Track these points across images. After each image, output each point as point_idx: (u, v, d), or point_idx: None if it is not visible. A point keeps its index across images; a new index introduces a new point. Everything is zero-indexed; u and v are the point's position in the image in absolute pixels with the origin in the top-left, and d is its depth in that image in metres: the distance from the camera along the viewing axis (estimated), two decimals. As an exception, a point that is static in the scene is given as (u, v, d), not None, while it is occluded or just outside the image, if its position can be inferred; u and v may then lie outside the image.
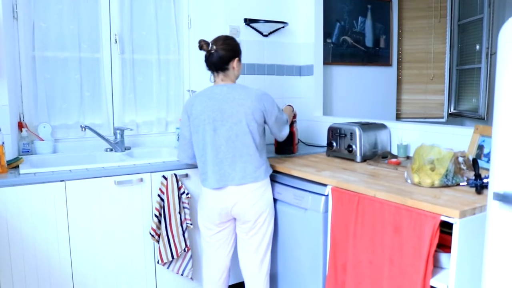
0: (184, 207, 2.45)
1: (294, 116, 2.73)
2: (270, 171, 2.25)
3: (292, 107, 2.70)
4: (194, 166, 2.52)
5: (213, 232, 2.27)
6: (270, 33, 3.09)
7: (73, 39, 2.77)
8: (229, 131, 2.09)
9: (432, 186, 1.83)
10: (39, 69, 2.69)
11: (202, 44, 2.14)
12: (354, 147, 2.49)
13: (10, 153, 2.36)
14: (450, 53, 4.38)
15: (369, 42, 3.94)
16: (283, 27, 3.14)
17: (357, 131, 2.49)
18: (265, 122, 2.19)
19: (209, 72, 3.01)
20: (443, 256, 1.69)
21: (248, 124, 2.08)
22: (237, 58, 2.19)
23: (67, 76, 2.79)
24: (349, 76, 3.83)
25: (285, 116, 2.31)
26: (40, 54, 2.69)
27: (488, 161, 2.05)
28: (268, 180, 2.21)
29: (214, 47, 2.13)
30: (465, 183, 1.84)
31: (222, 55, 2.13)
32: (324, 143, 2.79)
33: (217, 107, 2.11)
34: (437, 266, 1.68)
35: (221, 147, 2.11)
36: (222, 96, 2.12)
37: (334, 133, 2.62)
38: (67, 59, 2.77)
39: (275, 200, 2.36)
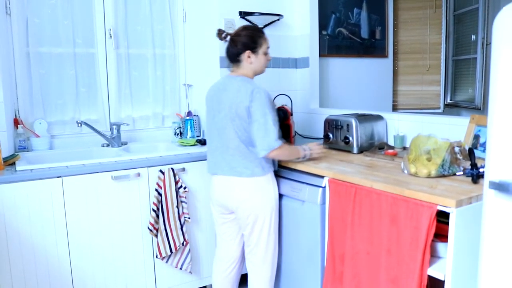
0: (181, 201, 2.45)
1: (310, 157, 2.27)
2: (265, 172, 2.10)
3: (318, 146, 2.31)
4: (192, 160, 2.52)
5: (220, 222, 2.29)
6: (265, 25, 3.07)
7: (67, 34, 2.75)
8: (220, 122, 2.10)
9: (429, 176, 1.83)
10: (33, 65, 2.67)
11: (218, 33, 2.16)
12: (350, 138, 2.49)
13: (6, 150, 2.35)
14: (446, 44, 4.38)
15: (364, 33, 3.94)
16: (278, 19, 3.13)
17: (354, 122, 2.49)
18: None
19: (206, 66, 3.02)
20: (440, 246, 1.69)
21: (231, 118, 2.05)
22: (249, 51, 2.11)
23: (62, 72, 2.77)
24: (345, 68, 3.82)
25: (272, 132, 2.00)
26: (34, 50, 2.67)
27: (484, 151, 2.05)
28: (265, 180, 2.12)
29: (228, 37, 2.12)
30: (462, 173, 1.85)
31: (231, 48, 2.13)
32: (321, 135, 2.79)
33: (217, 97, 2.12)
34: (434, 255, 1.69)
35: (215, 137, 2.14)
36: (223, 87, 2.12)
37: (331, 125, 2.62)
38: (62, 55, 2.76)
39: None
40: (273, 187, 2.16)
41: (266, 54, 2.18)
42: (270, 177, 2.16)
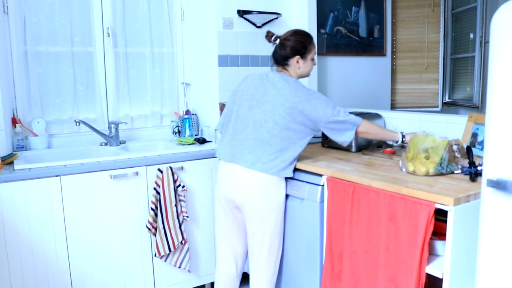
0: (180, 200, 2.45)
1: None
2: (287, 173, 2.11)
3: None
4: (191, 159, 2.52)
5: (223, 218, 2.26)
6: (264, 24, 3.07)
7: (65, 33, 2.75)
8: (260, 114, 2.07)
9: (427, 175, 1.84)
10: (31, 64, 2.67)
11: (267, 35, 2.17)
12: (349, 137, 2.49)
13: (4, 149, 2.35)
14: (444, 42, 4.38)
15: (363, 32, 3.93)
16: (276, 18, 3.12)
17: (352, 121, 2.49)
18: (314, 124, 2.09)
19: (204, 65, 3.00)
20: (438, 244, 1.70)
21: (281, 115, 2.03)
22: (298, 57, 2.13)
23: (60, 71, 2.77)
24: (344, 66, 3.82)
25: (345, 118, 2.08)
26: (32, 49, 2.66)
27: (482, 149, 2.06)
28: (280, 181, 2.13)
29: (277, 40, 2.13)
30: (460, 171, 1.85)
31: (278, 51, 2.14)
32: (319, 133, 2.79)
33: (262, 88, 2.11)
34: (432, 253, 1.69)
35: (248, 127, 2.10)
36: (273, 81, 2.11)
37: (329, 123, 2.62)
38: (60, 54, 2.75)
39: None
40: (283, 190, 2.17)
41: (312, 59, 2.21)
42: (284, 180, 2.16)
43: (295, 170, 2.22)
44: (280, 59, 2.16)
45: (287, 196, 2.26)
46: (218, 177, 2.26)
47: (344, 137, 2.12)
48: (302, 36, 2.17)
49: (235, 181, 2.13)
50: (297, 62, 2.14)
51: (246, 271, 2.43)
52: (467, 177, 1.78)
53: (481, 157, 1.94)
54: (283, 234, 2.30)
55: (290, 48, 2.12)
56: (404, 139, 2.21)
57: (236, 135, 2.15)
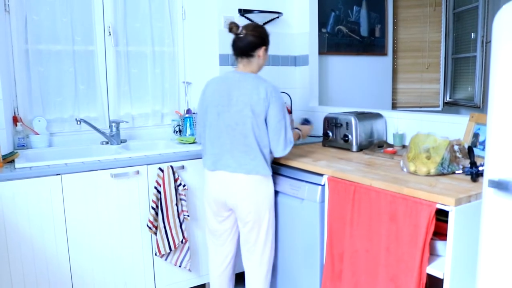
0: (181, 199, 2.45)
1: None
2: (269, 171, 2.14)
3: (310, 125, 2.60)
4: (191, 158, 2.52)
5: (215, 221, 2.27)
6: (265, 23, 3.07)
7: (66, 32, 2.75)
8: (230, 118, 2.08)
9: (428, 175, 1.83)
10: (32, 63, 2.67)
11: (232, 27, 2.12)
12: (350, 136, 2.49)
13: (5, 148, 2.35)
14: (445, 42, 4.37)
15: (364, 31, 3.93)
16: (277, 17, 3.12)
17: (353, 120, 2.49)
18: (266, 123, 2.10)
19: (205, 64, 2.99)
20: (439, 244, 1.70)
21: (248, 116, 2.05)
22: (264, 47, 2.16)
23: (61, 69, 2.77)
24: (345, 65, 3.82)
25: (288, 133, 2.12)
26: (33, 48, 2.66)
27: (483, 149, 2.05)
28: (266, 178, 2.15)
29: (244, 31, 2.11)
30: (461, 171, 1.85)
31: (250, 40, 2.11)
32: (320, 133, 2.79)
33: (225, 92, 2.10)
34: (433, 254, 1.69)
35: (222, 133, 2.11)
36: (234, 82, 2.11)
37: (330, 123, 2.62)
38: (61, 52, 2.75)
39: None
40: (272, 185, 2.19)
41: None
42: (270, 176, 2.17)
43: (295, 169, 2.23)
44: (248, 49, 2.12)
45: (286, 195, 2.27)
46: (205, 184, 2.26)
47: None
48: (264, 29, 2.21)
49: (224, 185, 2.15)
50: (264, 51, 2.16)
51: (243, 270, 2.43)
52: (469, 177, 1.77)
53: (482, 157, 1.94)
54: (281, 233, 2.30)
55: (258, 38, 2.13)
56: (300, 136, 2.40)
57: (214, 142, 2.15)
